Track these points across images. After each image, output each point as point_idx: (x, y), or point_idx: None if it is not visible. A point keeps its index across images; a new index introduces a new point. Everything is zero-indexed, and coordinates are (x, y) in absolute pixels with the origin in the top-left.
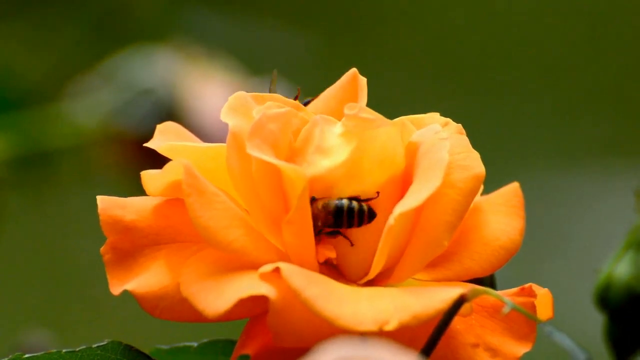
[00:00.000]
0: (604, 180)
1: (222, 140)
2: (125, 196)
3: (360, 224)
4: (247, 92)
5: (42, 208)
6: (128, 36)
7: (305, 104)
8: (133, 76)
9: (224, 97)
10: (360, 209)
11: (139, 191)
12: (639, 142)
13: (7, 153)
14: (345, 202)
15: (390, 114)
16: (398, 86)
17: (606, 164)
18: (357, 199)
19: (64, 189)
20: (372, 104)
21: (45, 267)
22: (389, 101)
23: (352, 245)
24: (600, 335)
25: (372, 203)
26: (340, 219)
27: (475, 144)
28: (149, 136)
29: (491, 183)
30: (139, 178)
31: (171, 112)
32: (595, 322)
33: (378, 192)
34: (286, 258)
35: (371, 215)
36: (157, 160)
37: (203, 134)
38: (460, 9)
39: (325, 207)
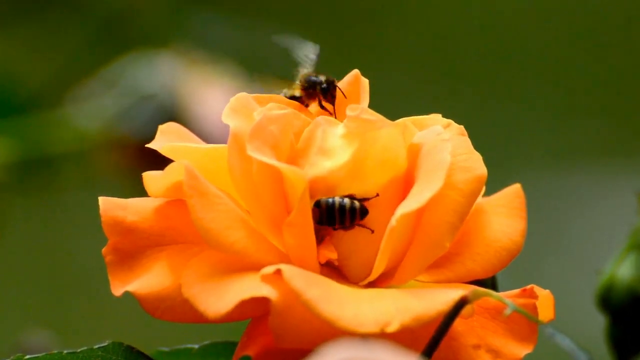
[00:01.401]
0: (604, 180)
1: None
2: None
3: (352, 221)
4: None
5: (45, 212)
6: (130, 42)
7: None
8: (135, 81)
9: (225, 103)
10: (352, 206)
11: (141, 196)
12: (639, 142)
13: (9, 157)
14: (337, 199)
15: (391, 115)
16: (399, 87)
17: (606, 164)
18: (350, 196)
19: (66, 194)
20: (373, 104)
21: (47, 269)
22: (390, 102)
23: (372, 232)
24: (602, 337)
25: (374, 204)
26: (332, 217)
27: (475, 145)
28: (151, 141)
29: (491, 183)
30: (141, 183)
31: (173, 117)
32: (597, 323)
33: (378, 194)
34: (287, 260)
35: (363, 212)
36: (159, 166)
37: (205, 139)
38: (460, 10)
39: (317, 205)
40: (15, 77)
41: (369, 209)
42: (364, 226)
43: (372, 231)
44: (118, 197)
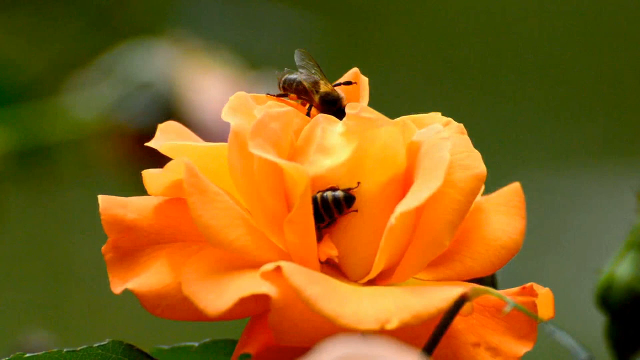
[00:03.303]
0: (604, 180)
1: (221, 134)
2: (124, 190)
3: (340, 212)
4: (246, 85)
5: (41, 202)
6: (127, 30)
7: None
8: (132, 70)
9: (222, 91)
10: (335, 197)
11: (138, 184)
12: (639, 142)
13: (5, 147)
14: (317, 195)
15: (392, 112)
16: (400, 85)
17: (606, 164)
18: (332, 189)
19: (63, 183)
20: (373, 102)
21: (45, 264)
22: (390, 99)
23: (356, 211)
24: (601, 336)
25: (373, 202)
26: (317, 212)
27: (475, 143)
28: (148, 130)
29: (491, 182)
30: (138, 172)
31: (170, 105)
32: (596, 322)
33: (359, 182)
34: (287, 257)
35: (348, 199)
36: (157, 155)
37: (202, 128)
38: (461, 10)
39: None
40: (11, 66)
41: (368, 207)
42: (350, 211)
43: (356, 210)
44: (115, 186)
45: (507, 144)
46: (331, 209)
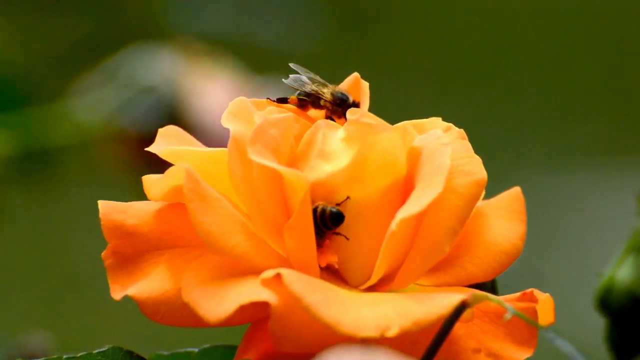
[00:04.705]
0: (604, 180)
1: (224, 138)
2: (128, 194)
3: (327, 227)
4: (251, 90)
5: (45, 206)
6: (131, 34)
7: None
8: (136, 74)
9: (226, 95)
10: (322, 212)
11: (142, 189)
12: (639, 142)
13: (10, 150)
14: (318, 206)
15: (391, 112)
16: (398, 86)
17: (606, 164)
18: (322, 204)
19: (66, 187)
20: (374, 102)
21: (47, 268)
22: (389, 102)
23: (347, 239)
24: (601, 339)
25: (374, 208)
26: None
27: (475, 144)
28: (151, 134)
29: (491, 182)
30: (141, 175)
31: (173, 109)
32: (596, 325)
33: (349, 197)
34: (287, 263)
35: (334, 217)
36: (160, 159)
37: (205, 132)
38: (462, 11)
39: None
40: (16, 70)
41: (368, 213)
42: (339, 234)
43: (347, 238)
44: (119, 190)
45: (507, 145)
46: (318, 225)
